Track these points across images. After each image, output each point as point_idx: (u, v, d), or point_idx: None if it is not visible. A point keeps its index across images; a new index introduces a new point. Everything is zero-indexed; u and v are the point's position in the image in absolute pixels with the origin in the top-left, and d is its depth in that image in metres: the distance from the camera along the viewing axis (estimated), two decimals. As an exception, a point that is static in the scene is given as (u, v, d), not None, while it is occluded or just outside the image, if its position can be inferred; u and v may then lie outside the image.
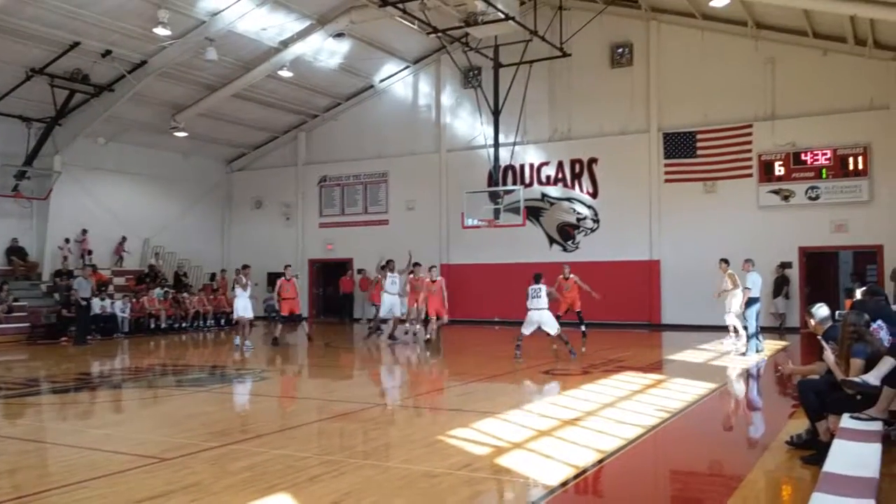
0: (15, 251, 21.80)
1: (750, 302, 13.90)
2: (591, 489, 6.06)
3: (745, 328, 14.43)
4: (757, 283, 13.97)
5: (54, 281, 21.90)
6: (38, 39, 18.69)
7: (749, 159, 20.70)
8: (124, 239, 24.44)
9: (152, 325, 22.09)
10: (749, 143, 20.73)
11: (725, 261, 15.66)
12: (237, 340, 16.56)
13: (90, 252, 23.17)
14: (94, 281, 20.09)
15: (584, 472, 6.12)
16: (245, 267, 17.26)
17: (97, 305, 20.50)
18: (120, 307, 21.23)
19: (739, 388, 11.36)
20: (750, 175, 20.69)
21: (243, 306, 16.67)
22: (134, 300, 21.97)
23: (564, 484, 5.75)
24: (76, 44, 19.12)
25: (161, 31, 18.80)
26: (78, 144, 22.57)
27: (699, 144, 21.34)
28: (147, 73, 20.91)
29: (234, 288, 17.27)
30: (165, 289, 23.56)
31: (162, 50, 20.34)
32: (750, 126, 20.71)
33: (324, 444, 7.64)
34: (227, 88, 23.07)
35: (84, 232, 23.11)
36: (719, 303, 16.63)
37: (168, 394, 11.32)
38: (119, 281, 23.36)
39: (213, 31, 19.70)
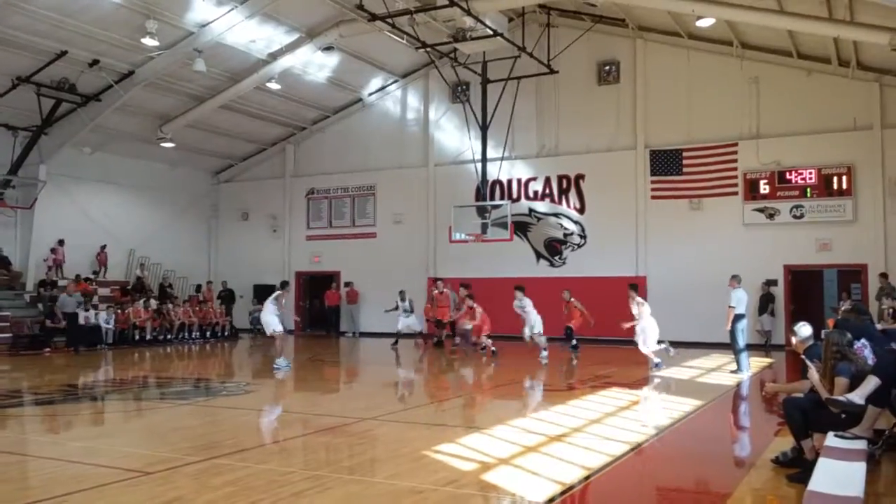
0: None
1: (735, 318, 13.94)
2: (578, 506, 6.04)
3: (732, 346, 14.38)
4: (742, 299, 14.01)
5: (38, 291, 21.68)
6: (25, 48, 18.62)
7: (735, 177, 20.86)
8: (104, 248, 24.18)
9: (137, 337, 21.92)
10: (734, 161, 20.90)
11: (634, 286, 15.40)
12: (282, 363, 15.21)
13: (58, 265, 22.79)
14: (79, 292, 20.03)
15: (570, 488, 6.10)
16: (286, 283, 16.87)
17: (81, 317, 20.35)
18: (104, 318, 21.05)
19: (725, 405, 11.38)
20: (735, 193, 20.85)
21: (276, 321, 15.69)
22: (119, 311, 21.79)
23: (551, 501, 5.73)
24: (63, 53, 19.06)
25: (149, 42, 18.78)
26: (64, 154, 22.43)
27: (685, 162, 21.50)
28: (134, 83, 20.85)
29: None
30: (149, 300, 23.37)
31: (150, 60, 20.31)
32: (735, 144, 20.90)
33: (308, 458, 7.58)
34: (215, 100, 23.04)
35: (60, 243, 22.81)
36: (706, 320, 16.74)
37: (151, 406, 11.21)
38: (104, 292, 23.17)
39: (201, 42, 19.70)
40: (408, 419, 9.83)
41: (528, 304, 16.31)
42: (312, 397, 12.63)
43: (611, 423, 8.90)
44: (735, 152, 20.93)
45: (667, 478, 7.01)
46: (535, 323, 16.18)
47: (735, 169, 20.87)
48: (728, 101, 21.02)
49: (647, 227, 21.87)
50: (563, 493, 5.95)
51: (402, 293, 21.19)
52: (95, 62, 19.84)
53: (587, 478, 6.42)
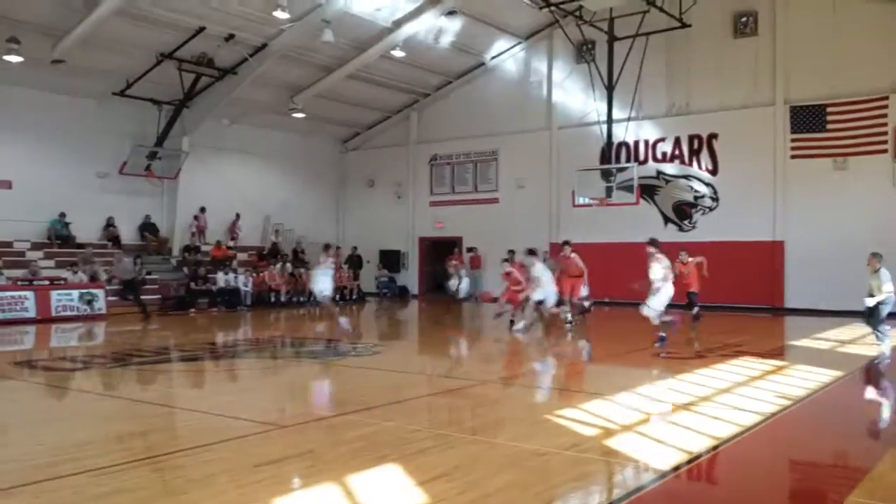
0: (148, 227, 23.30)
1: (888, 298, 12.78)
2: (705, 476, 5.87)
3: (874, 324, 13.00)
4: (889, 278, 12.73)
5: (184, 256, 23.22)
6: (167, 25, 19.68)
7: (884, 134, 19.33)
8: (238, 217, 25.42)
9: (272, 299, 23.09)
10: (884, 116, 19.35)
11: (654, 243, 12.72)
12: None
13: (200, 231, 24.24)
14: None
15: (697, 457, 5.93)
16: (328, 246, 16.44)
17: (221, 279, 21.67)
18: (243, 281, 22.34)
19: (867, 377, 10.69)
20: (885, 151, 19.32)
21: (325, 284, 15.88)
22: (255, 275, 23.02)
23: (676, 469, 5.60)
24: (202, 29, 20.02)
25: (280, 15, 19.39)
26: (204, 126, 23.70)
27: (829, 118, 20.10)
28: (267, 55, 21.67)
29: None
30: (284, 264, 24.53)
31: (281, 33, 21.00)
32: (885, 98, 19.32)
33: (432, 418, 7.76)
34: (343, 69, 23.60)
35: (202, 210, 24.25)
36: (848, 287, 15.64)
37: (286, 365, 11.80)
38: (242, 256, 24.52)
39: (329, 13, 20.15)
40: (528, 383, 9.86)
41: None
42: (435, 359, 12.89)
43: (742, 393, 8.56)
44: (885, 106, 19.36)
45: (801, 450, 6.69)
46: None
47: (885, 125, 19.34)
48: (877, 51, 19.40)
49: (787, 188, 20.69)
50: (689, 461, 5.80)
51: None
52: (231, 37, 20.74)
53: (715, 447, 6.22)
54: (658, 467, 5.61)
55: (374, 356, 12.41)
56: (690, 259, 15.78)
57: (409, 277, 27.72)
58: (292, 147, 27.10)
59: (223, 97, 22.80)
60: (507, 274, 16.20)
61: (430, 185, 27.47)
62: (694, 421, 7.09)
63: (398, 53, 22.97)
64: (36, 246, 20.53)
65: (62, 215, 21.18)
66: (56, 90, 20.74)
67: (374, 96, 26.45)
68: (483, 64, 25.88)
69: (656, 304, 12.36)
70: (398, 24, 21.85)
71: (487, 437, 6.75)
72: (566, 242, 16.66)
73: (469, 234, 25.95)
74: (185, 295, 21.26)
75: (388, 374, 10.98)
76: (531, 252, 15.53)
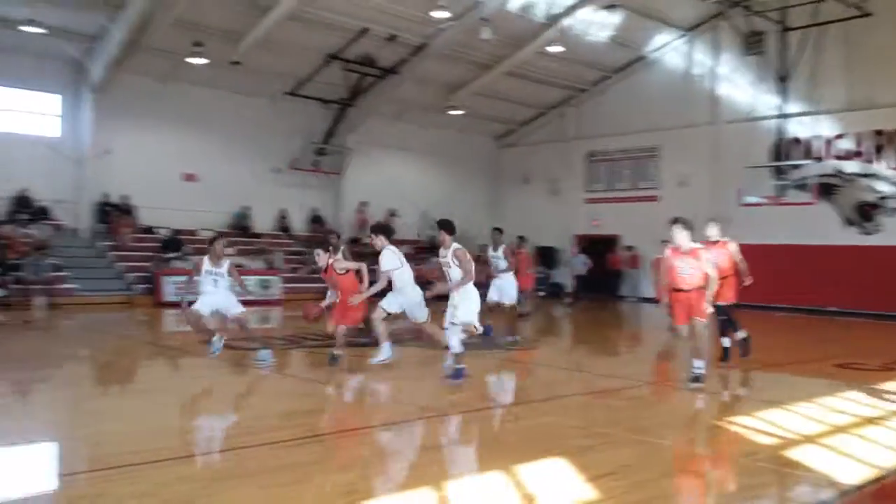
0: (316, 219, 24.59)
1: None
2: (893, 495, 5.42)
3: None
4: None
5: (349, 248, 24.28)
6: (333, 27, 20.62)
7: None
8: (392, 213, 26.01)
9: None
10: None
11: (444, 224, 9.32)
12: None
13: (363, 225, 25.14)
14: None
15: (885, 475, 5.48)
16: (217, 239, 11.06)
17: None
18: (399, 275, 23.00)
19: None
20: None
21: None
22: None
23: (861, 487, 5.19)
24: (365, 30, 20.81)
25: (439, 14, 19.75)
26: (367, 124, 24.65)
27: None
28: (427, 55, 22.17)
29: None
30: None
31: (440, 32, 21.41)
32: None
33: (591, 416, 7.62)
34: (500, 66, 23.72)
35: (363, 204, 25.15)
36: None
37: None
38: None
39: (487, 10, 20.30)
40: (694, 387, 9.46)
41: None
42: (593, 358, 12.70)
43: (938, 410, 7.82)
44: None
45: None
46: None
47: None
48: None
49: None
50: (876, 479, 5.36)
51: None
52: (393, 37, 21.41)
53: (910, 466, 5.71)
54: (842, 482, 5.24)
55: (532, 350, 12.40)
56: (726, 238, 10.62)
57: (564, 275, 27.43)
58: (449, 144, 27.58)
59: (385, 96, 23.59)
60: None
61: (585, 182, 27.07)
62: (882, 435, 6.56)
63: (555, 49, 22.75)
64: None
65: (246, 208, 22.82)
66: (234, 90, 22.30)
67: (530, 93, 26.38)
68: (642, 58, 25.15)
69: (464, 316, 8.65)
70: (555, 19, 21.67)
71: (653, 439, 6.56)
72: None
73: (626, 233, 25.31)
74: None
75: (545, 369, 10.96)
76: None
